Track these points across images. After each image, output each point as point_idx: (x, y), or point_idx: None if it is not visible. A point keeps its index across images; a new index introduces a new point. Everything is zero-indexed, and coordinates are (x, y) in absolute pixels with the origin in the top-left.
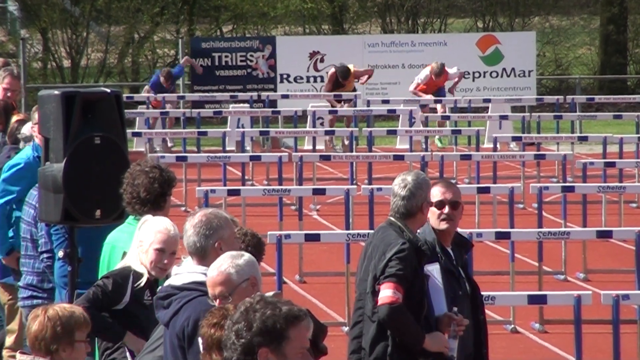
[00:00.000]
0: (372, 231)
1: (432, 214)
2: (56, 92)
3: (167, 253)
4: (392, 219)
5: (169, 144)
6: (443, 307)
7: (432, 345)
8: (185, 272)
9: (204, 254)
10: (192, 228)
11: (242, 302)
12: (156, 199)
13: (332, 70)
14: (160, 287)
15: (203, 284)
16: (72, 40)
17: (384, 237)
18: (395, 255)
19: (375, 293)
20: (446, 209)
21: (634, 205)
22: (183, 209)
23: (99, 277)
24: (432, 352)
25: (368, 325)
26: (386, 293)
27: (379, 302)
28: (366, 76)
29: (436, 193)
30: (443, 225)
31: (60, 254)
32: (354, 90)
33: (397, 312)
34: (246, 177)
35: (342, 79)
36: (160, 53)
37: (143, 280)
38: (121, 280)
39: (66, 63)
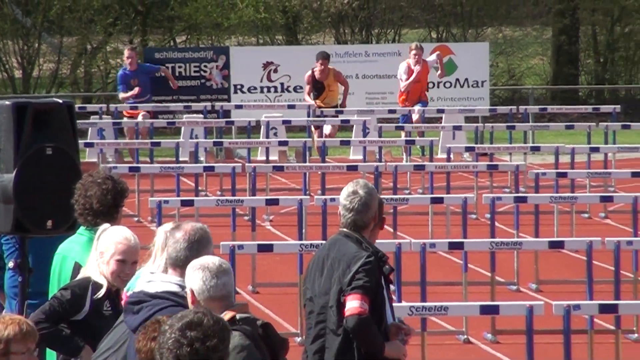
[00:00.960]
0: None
1: (376, 233)
2: (7, 102)
3: (128, 263)
4: (347, 230)
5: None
6: (389, 317)
7: (392, 352)
8: (159, 280)
9: None
10: (184, 242)
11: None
12: (109, 210)
13: (309, 72)
14: (131, 292)
15: (176, 294)
16: (23, 50)
17: (345, 250)
18: (361, 267)
19: (340, 306)
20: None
21: (586, 215)
22: (136, 219)
23: (54, 289)
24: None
25: (332, 339)
26: (354, 304)
27: (347, 313)
28: (344, 88)
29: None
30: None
31: (11, 264)
32: (336, 105)
33: (366, 323)
34: (199, 188)
35: (320, 59)
36: (113, 63)
37: (102, 291)
38: (80, 291)
39: (17, 74)
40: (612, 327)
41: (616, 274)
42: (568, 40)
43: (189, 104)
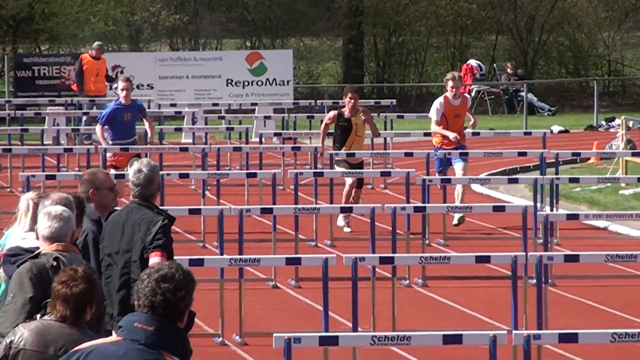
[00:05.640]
0: None
1: (108, 196)
2: None
3: None
4: (138, 200)
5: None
6: None
7: None
8: (32, 238)
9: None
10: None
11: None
12: None
13: (334, 112)
14: (10, 247)
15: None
16: None
17: (143, 215)
18: (160, 229)
19: (144, 261)
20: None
21: (370, 186)
22: (9, 190)
23: None
24: None
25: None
26: (156, 260)
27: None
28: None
29: (106, 180)
30: (116, 204)
31: None
32: (361, 162)
33: None
34: (61, 165)
35: (350, 93)
36: None
37: None
38: None
39: None
40: (389, 275)
41: (393, 233)
42: (355, 48)
43: (52, 98)
